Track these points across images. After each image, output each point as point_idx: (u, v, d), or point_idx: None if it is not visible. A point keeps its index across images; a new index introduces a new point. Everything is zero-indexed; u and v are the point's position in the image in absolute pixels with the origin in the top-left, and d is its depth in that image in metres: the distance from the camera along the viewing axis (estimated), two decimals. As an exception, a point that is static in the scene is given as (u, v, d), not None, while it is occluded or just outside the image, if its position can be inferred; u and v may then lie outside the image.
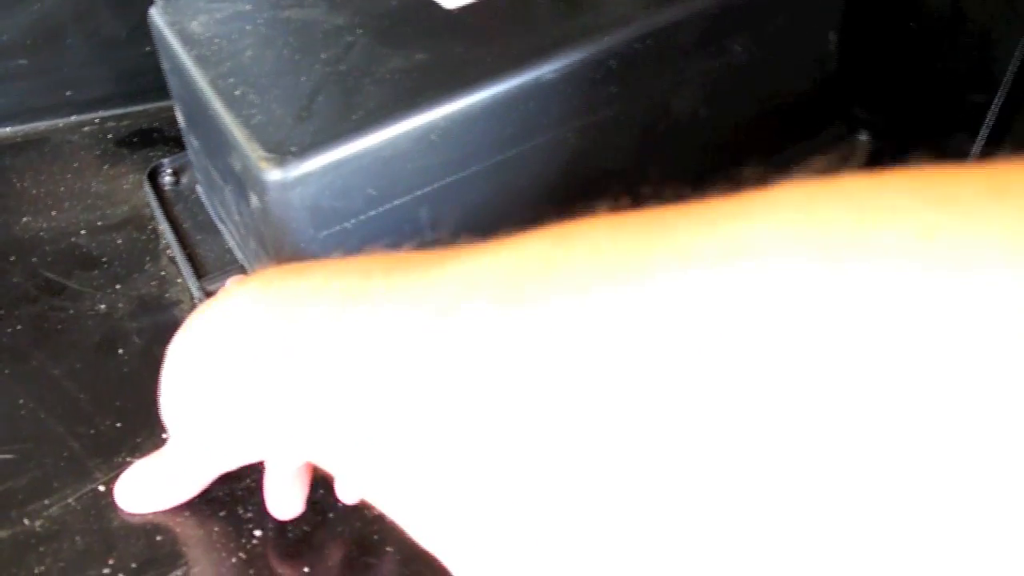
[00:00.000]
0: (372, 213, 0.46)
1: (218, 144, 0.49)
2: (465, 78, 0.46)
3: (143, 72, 0.73)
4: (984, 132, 0.56)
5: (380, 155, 0.44)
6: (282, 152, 0.43)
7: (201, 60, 0.49)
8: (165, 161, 0.67)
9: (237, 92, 0.47)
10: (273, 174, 0.43)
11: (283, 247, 0.46)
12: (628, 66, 0.49)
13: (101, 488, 0.50)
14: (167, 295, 0.60)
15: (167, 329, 0.58)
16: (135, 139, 0.73)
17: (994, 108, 0.55)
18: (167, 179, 0.66)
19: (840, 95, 0.61)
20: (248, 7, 0.52)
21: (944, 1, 0.60)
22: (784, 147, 0.60)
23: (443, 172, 0.46)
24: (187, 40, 0.51)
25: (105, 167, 0.70)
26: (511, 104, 0.46)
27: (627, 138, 0.52)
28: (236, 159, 0.46)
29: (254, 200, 0.46)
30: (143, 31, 0.71)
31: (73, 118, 0.75)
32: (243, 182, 0.47)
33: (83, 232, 0.65)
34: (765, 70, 0.55)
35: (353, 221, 0.45)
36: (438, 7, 0.50)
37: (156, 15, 0.54)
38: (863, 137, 0.62)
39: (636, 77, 0.49)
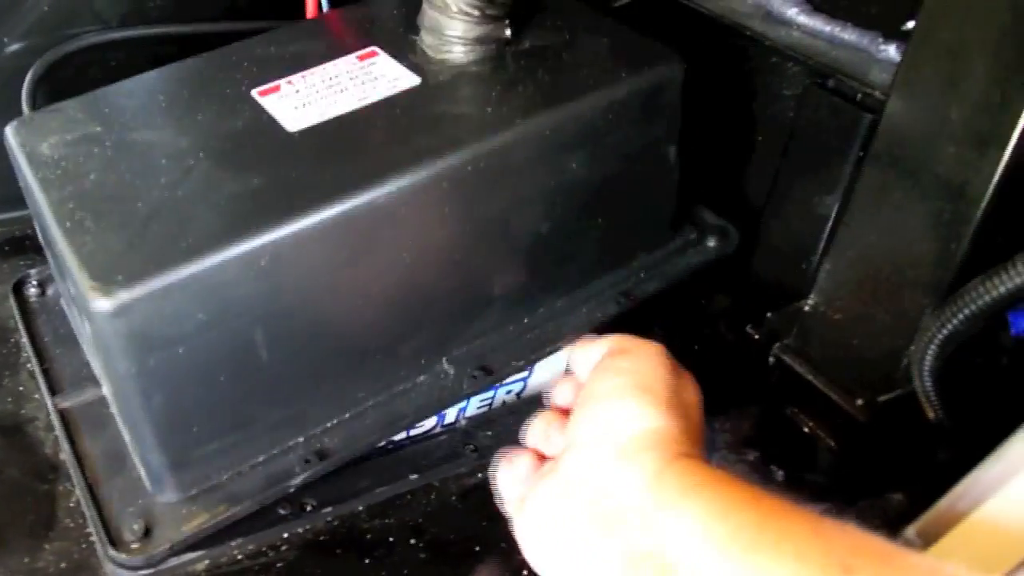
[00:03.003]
0: (205, 338, 0.46)
1: (61, 267, 0.49)
2: (296, 203, 0.46)
3: (16, 179, 0.73)
4: (834, 212, 0.59)
5: (209, 281, 0.45)
6: (108, 281, 0.43)
7: (46, 183, 0.50)
8: (32, 272, 0.66)
9: (76, 217, 0.47)
10: (99, 303, 0.43)
11: (115, 371, 0.46)
12: (461, 187, 0.50)
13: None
14: (23, 411, 0.60)
15: (19, 448, 0.58)
16: (6, 247, 0.73)
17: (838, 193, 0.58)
18: (32, 291, 0.66)
19: (686, 203, 0.63)
20: (98, 129, 0.53)
21: (782, 111, 0.63)
22: (635, 256, 0.61)
23: (276, 296, 0.47)
24: (35, 161, 0.51)
25: (-29, 277, 0.70)
26: (344, 227, 0.47)
27: (468, 257, 0.53)
28: (72, 284, 0.46)
29: (87, 326, 0.46)
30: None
31: (-55, 226, 0.75)
32: (79, 307, 0.47)
33: (-57, 346, 0.64)
34: (605, 184, 0.56)
35: (184, 347, 0.46)
36: (281, 129, 0.51)
37: (10, 134, 0.54)
38: (711, 242, 0.64)
39: (471, 198, 0.51)
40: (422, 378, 0.55)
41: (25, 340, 0.62)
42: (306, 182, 0.48)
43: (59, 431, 0.56)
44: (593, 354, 0.47)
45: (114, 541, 0.50)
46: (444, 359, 0.55)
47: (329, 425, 0.53)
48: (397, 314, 0.52)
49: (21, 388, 0.61)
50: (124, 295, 0.43)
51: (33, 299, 0.66)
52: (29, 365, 0.62)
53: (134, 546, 0.49)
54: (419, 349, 0.54)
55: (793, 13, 0.64)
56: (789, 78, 0.63)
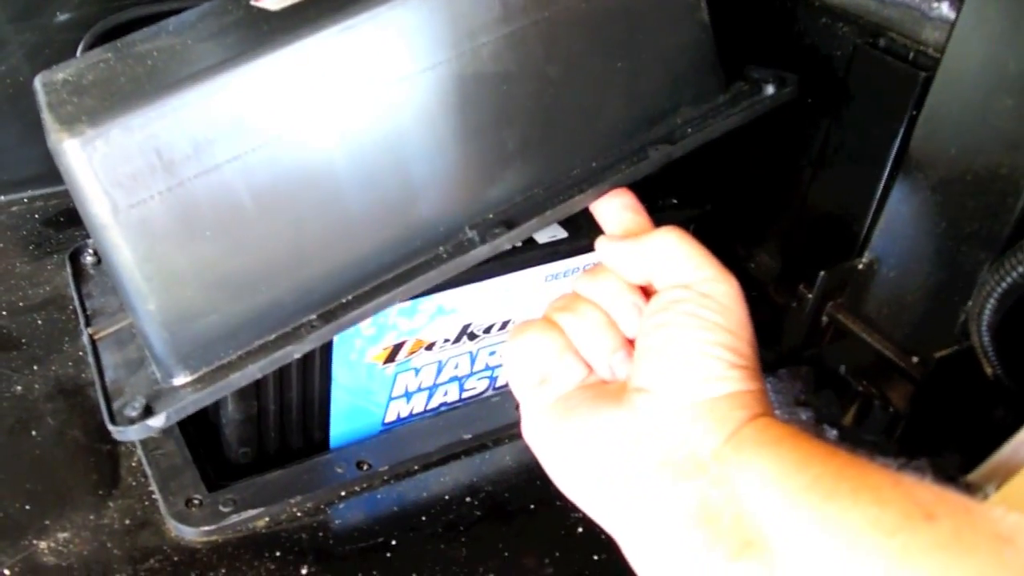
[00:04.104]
0: (180, 182, 0.45)
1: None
2: (268, 41, 0.46)
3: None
4: (887, 171, 0.58)
5: (175, 116, 0.44)
6: (74, 123, 0.43)
7: (51, 99, 0.49)
8: (88, 242, 0.68)
9: (64, 104, 0.47)
10: (66, 143, 0.43)
11: (93, 223, 0.45)
12: (451, 12, 0.48)
13: (6, 572, 0.50)
14: (83, 375, 0.61)
15: (81, 411, 0.59)
16: (62, 218, 0.75)
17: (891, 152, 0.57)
18: (89, 259, 0.67)
19: (735, 61, 0.59)
20: (109, 55, 0.53)
21: (833, 71, 0.62)
22: (676, 110, 0.57)
23: (251, 136, 0.45)
24: (48, 88, 0.51)
25: (30, 247, 0.72)
26: (322, 58, 0.46)
27: (468, 103, 0.50)
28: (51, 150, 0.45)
29: (66, 179, 0.45)
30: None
31: (2, 197, 0.76)
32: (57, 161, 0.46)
33: (4, 313, 0.66)
34: (607, 21, 0.52)
35: (158, 188, 0.44)
36: (263, 10, 0.52)
37: (37, 82, 0.54)
38: (770, 90, 0.58)
39: (465, 26, 0.49)
40: (443, 247, 0.51)
41: (78, 305, 0.63)
42: (278, 30, 0.47)
43: (89, 356, 0.55)
44: (677, 269, 0.42)
45: (114, 417, 0.48)
46: (466, 226, 0.51)
47: (344, 300, 0.50)
48: (398, 171, 0.49)
49: (81, 353, 0.63)
50: (89, 131, 0.42)
51: (89, 267, 0.67)
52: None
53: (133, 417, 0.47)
54: (436, 214, 0.51)
55: (843, -27, 0.64)
56: (839, 38, 0.63)
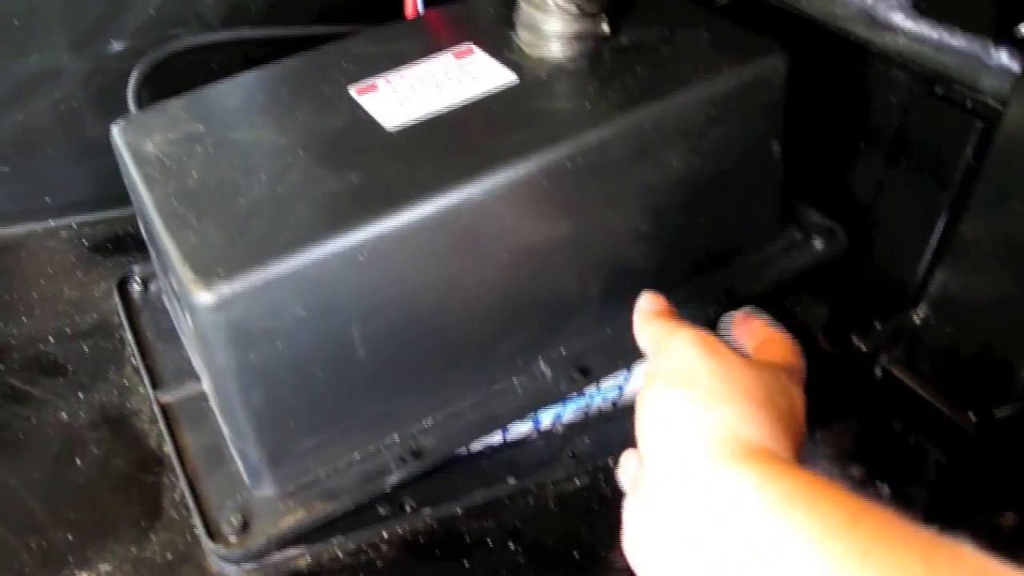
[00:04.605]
0: (303, 333, 0.46)
1: (163, 262, 0.50)
2: (393, 199, 0.47)
3: (117, 178, 0.75)
4: (942, 220, 0.57)
5: (307, 276, 0.45)
6: (209, 275, 0.44)
7: (150, 180, 0.51)
8: (135, 269, 0.68)
9: (178, 213, 0.48)
10: (201, 297, 0.44)
11: (215, 365, 0.47)
12: (559, 184, 0.50)
13: (47, 603, 0.50)
14: (128, 404, 0.61)
15: (125, 440, 0.59)
16: (109, 245, 0.75)
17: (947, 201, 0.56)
18: (136, 287, 0.67)
19: (792, 202, 0.62)
20: (201, 128, 0.54)
21: (888, 118, 0.61)
22: (735, 256, 0.60)
23: (374, 292, 0.47)
24: (140, 159, 0.52)
25: (78, 273, 0.72)
26: (441, 224, 0.47)
27: (566, 254, 0.52)
28: (174, 279, 0.47)
29: (188, 319, 0.47)
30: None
31: (51, 222, 0.77)
32: (180, 301, 0.48)
33: (51, 339, 0.66)
34: (706, 181, 0.55)
35: (283, 342, 0.46)
36: (379, 128, 0.52)
37: (116, 133, 0.55)
38: (817, 243, 0.63)
39: (569, 194, 0.50)
40: (518, 379, 0.55)
41: (129, 336, 0.64)
42: (404, 179, 0.48)
43: (161, 425, 0.57)
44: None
45: (212, 534, 0.51)
46: (540, 359, 0.55)
47: (425, 424, 0.53)
48: (493, 312, 0.52)
49: (125, 382, 0.63)
50: (225, 289, 0.44)
51: (136, 295, 0.67)
52: (133, 360, 0.63)
53: (232, 539, 0.50)
54: (516, 349, 0.54)
55: (899, 19, 0.63)
56: (895, 85, 0.62)
